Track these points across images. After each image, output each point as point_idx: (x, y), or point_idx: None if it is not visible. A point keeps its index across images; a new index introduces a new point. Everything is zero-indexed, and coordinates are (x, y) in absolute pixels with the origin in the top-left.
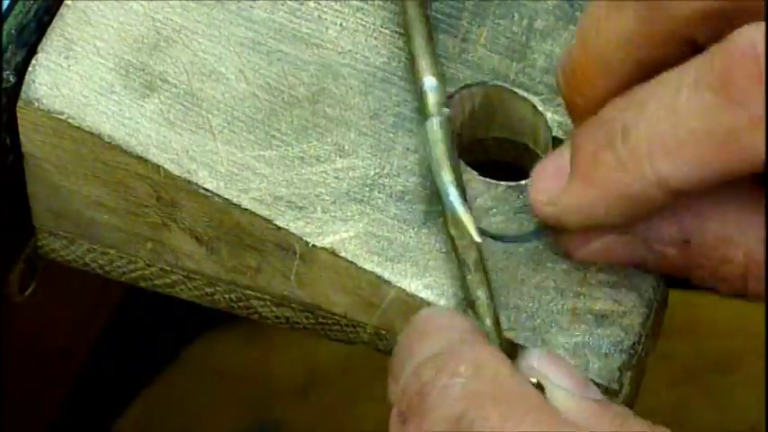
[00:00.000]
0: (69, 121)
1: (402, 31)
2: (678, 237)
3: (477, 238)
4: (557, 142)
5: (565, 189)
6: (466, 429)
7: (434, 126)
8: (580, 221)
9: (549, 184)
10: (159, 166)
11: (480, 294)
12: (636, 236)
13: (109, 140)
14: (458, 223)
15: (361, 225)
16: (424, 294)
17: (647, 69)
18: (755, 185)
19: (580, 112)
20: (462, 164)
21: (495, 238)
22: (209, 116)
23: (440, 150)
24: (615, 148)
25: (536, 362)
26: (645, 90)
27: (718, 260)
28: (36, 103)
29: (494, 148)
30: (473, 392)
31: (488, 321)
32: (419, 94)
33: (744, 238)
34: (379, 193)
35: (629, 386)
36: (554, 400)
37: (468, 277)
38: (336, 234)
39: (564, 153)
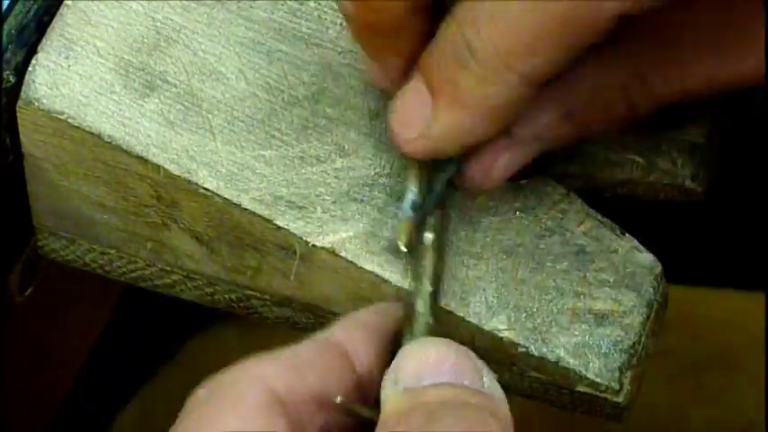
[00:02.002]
0: (69, 120)
1: None
2: (562, 114)
3: (402, 248)
4: None
5: (433, 119)
6: None
7: None
8: (460, 145)
9: (414, 117)
10: (159, 166)
11: (426, 284)
12: (524, 138)
13: (109, 140)
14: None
15: (361, 225)
16: None
17: None
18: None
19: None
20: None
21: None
22: (210, 116)
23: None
24: (469, 66)
25: (394, 362)
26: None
27: (602, 110)
28: (36, 103)
29: None
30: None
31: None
32: None
33: (614, 77)
34: (379, 192)
35: (630, 385)
36: (387, 397)
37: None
38: (336, 234)
39: (418, 86)
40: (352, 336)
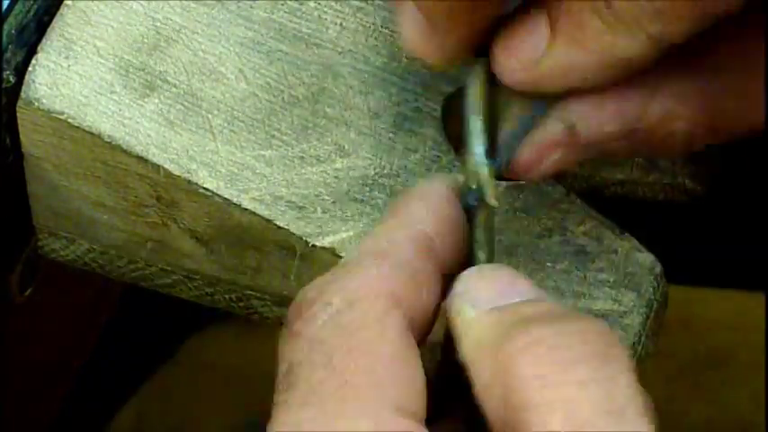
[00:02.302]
0: (69, 120)
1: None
2: (626, 129)
3: (494, 202)
4: None
5: (547, 52)
6: (293, 378)
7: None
8: (564, 84)
9: (525, 48)
10: (159, 166)
11: (480, 256)
12: (584, 140)
13: (109, 140)
14: (476, 180)
15: (361, 225)
16: None
17: None
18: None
19: None
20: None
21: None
22: (210, 116)
23: (474, 93)
24: (601, 13)
25: (460, 287)
26: None
27: (663, 137)
28: (36, 103)
29: None
30: (322, 338)
31: None
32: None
33: (685, 110)
34: (379, 192)
35: None
36: (472, 321)
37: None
38: (336, 234)
39: (536, 19)
40: (423, 263)
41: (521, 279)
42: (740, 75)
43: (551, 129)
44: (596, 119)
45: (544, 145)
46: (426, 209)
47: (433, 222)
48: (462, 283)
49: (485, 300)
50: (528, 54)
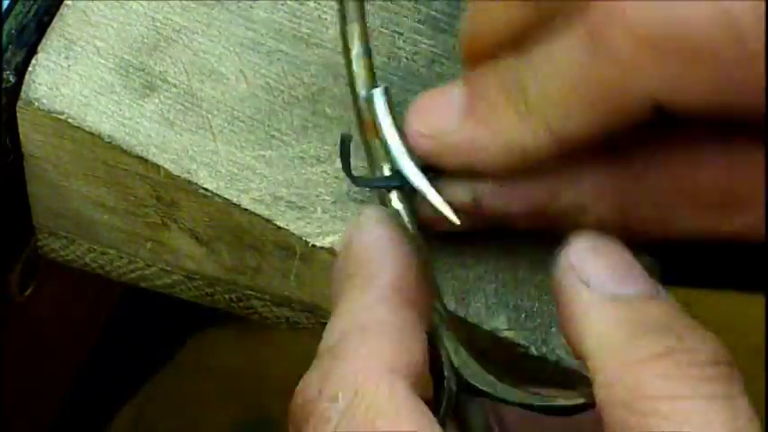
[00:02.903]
0: (69, 121)
1: (400, 30)
2: (531, 212)
3: (456, 221)
4: None
5: (455, 128)
6: None
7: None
8: (461, 162)
9: (435, 119)
10: (159, 166)
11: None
12: (486, 215)
13: (109, 140)
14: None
15: None
16: None
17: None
18: (611, 152)
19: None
20: None
21: (359, 183)
22: (210, 116)
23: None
24: (517, 104)
25: (574, 259)
26: (535, 45)
27: (571, 225)
28: (36, 104)
29: None
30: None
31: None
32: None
33: (596, 207)
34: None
35: None
36: (591, 306)
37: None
38: (337, 234)
39: (453, 92)
40: (402, 316)
41: (635, 264)
42: (657, 184)
43: (459, 196)
44: (504, 198)
45: (447, 208)
46: (377, 259)
47: (390, 268)
48: (575, 255)
49: (603, 283)
50: (439, 124)
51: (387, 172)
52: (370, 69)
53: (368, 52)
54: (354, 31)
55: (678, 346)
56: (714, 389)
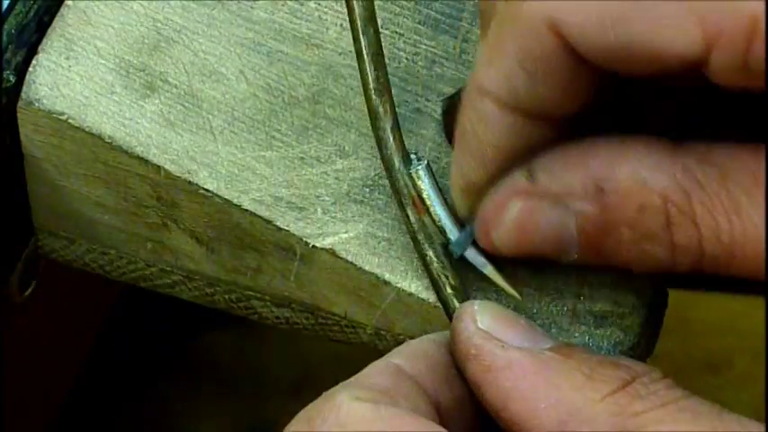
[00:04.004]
0: (70, 121)
1: (400, 31)
2: (590, 184)
3: (518, 297)
4: None
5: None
6: None
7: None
8: (459, 190)
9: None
10: (159, 167)
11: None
12: (544, 194)
13: (109, 141)
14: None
15: (361, 226)
16: (424, 295)
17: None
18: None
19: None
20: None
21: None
22: (210, 117)
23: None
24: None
25: (481, 323)
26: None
27: (637, 209)
28: (36, 104)
29: None
30: None
31: None
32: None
33: (659, 180)
34: (379, 194)
35: None
36: (512, 361)
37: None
38: (337, 235)
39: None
40: (418, 367)
41: (532, 323)
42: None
43: (511, 179)
44: (558, 168)
45: (503, 191)
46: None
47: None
48: (481, 321)
49: (521, 342)
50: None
51: (438, 247)
52: (402, 142)
53: (398, 125)
54: (385, 103)
55: (635, 373)
56: (676, 393)
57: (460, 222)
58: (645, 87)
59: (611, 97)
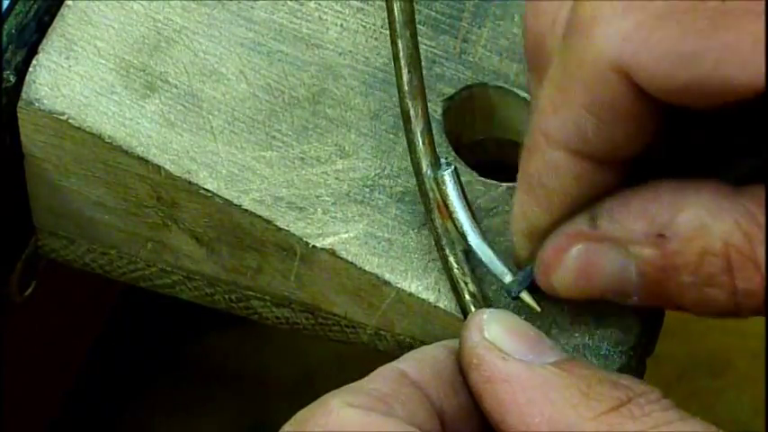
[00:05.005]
0: (70, 121)
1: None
2: (651, 231)
3: (537, 308)
4: None
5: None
6: None
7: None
8: (522, 235)
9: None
10: (160, 167)
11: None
12: (606, 239)
13: (109, 141)
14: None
15: (361, 226)
16: (425, 295)
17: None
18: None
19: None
20: (462, 164)
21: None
22: (210, 117)
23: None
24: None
25: (488, 333)
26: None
27: (698, 254)
28: (37, 104)
29: (494, 149)
30: None
31: None
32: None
33: (720, 224)
34: (379, 194)
35: None
36: (511, 374)
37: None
38: (337, 235)
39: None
40: (423, 373)
41: (542, 334)
42: None
43: (574, 224)
44: (620, 214)
45: (565, 235)
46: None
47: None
48: (488, 331)
49: (524, 355)
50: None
51: (459, 253)
52: (434, 146)
53: (431, 129)
54: (418, 107)
55: (632, 394)
56: (671, 416)
57: (482, 231)
58: (705, 128)
59: (673, 138)
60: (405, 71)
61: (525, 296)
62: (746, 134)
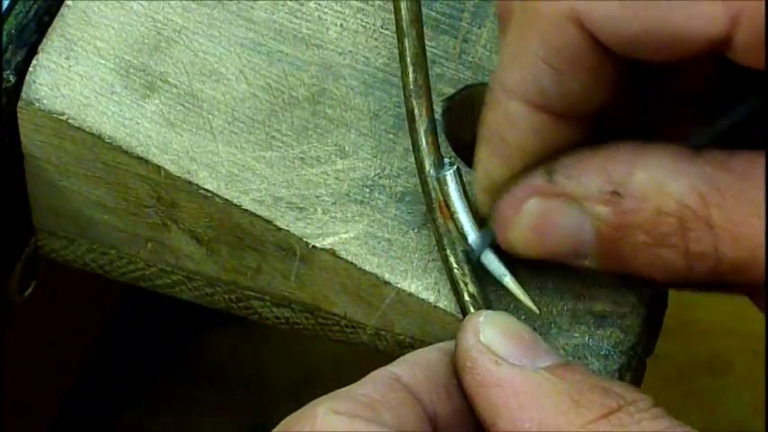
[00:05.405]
0: (70, 121)
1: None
2: (607, 188)
3: (536, 310)
4: None
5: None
6: None
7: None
8: (482, 188)
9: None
10: (160, 167)
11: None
12: (562, 194)
13: (109, 141)
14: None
15: (361, 226)
16: (424, 295)
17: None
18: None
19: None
20: (462, 164)
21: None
22: (210, 117)
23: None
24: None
25: (483, 336)
26: None
27: (652, 213)
28: (36, 104)
29: None
30: None
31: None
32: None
33: (676, 185)
34: (379, 194)
35: None
36: (503, 378)
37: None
38: (337, 235)
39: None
40: (416, 376)
41: (539, 337)
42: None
43: (530, 177)
44: (577, 170)
45: (521, 188)
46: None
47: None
48: (483, 334)
49: (518, 359)
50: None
51: (460, 254)
52: (437, 146)
53: (435, 128)
54: (422, 106)
55: (623, 402)
56: (660, 425)
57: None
58: (663, 91)
59: (631, 96)
60: (410, 70)
61: (490, 261)
62: (707, 99)
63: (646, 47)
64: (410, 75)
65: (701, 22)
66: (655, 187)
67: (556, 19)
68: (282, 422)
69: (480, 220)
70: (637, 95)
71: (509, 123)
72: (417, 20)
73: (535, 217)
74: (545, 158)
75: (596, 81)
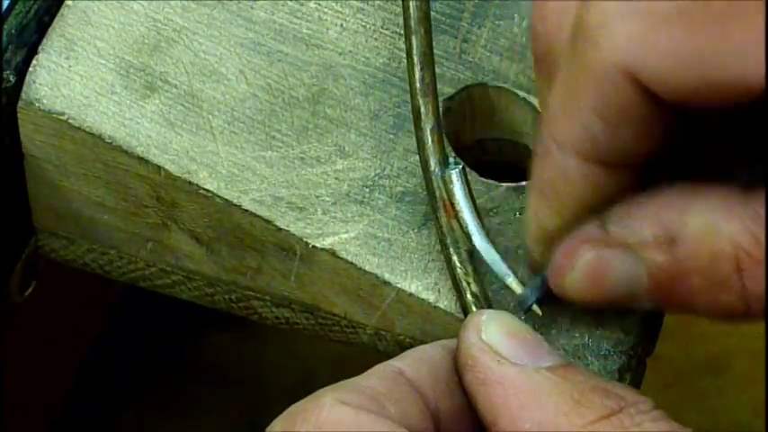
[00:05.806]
0: (70, 121)
1: (401, 31)
2: (662, 235)
3: (539, 312)
4: None
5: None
6: None
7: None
8: (536, 239)
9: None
10: (160, 167)
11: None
12: (617, 243)
13: (109, 141)
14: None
15: (361, 226)
16: (424, 295)
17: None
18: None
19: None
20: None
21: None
22: (210, 117)
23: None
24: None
25: (485, 334)
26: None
27: (708, 257)
28: (36, 104)
29: (494, 149)
30: None
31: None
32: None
33: (729, 227)
34: (379, 194)
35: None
36: (505, 377)
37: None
38: (336, 235)
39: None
40: (419, 372)
41: (541, 337)
42: None
43: (585, 227)
44: (631, 218)
45: (576, 240)
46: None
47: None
48: (486, 333)
49: (520, 358)
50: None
51: (463, 253)
52: (443, 145)
53: (440, 126)
54: (429, 105)
55: (624, 403)
56: (661, 427)
57: (487, 232)
58: (713, 133)
59: (681, 140)
60: (417, 68)
61: (515, 285)
62: (755, 138)
63: (701, 98)
64: (417, 73)
65: (757, 69)
66: (708, 231)
67: (608, 72)
68: (288, 410)
69: (532, 267)
70: (684, 138)
71: (561, 175)
72: (426, 18)
73: (590, 265)
74: (598, 208)
75: (650, 131)
